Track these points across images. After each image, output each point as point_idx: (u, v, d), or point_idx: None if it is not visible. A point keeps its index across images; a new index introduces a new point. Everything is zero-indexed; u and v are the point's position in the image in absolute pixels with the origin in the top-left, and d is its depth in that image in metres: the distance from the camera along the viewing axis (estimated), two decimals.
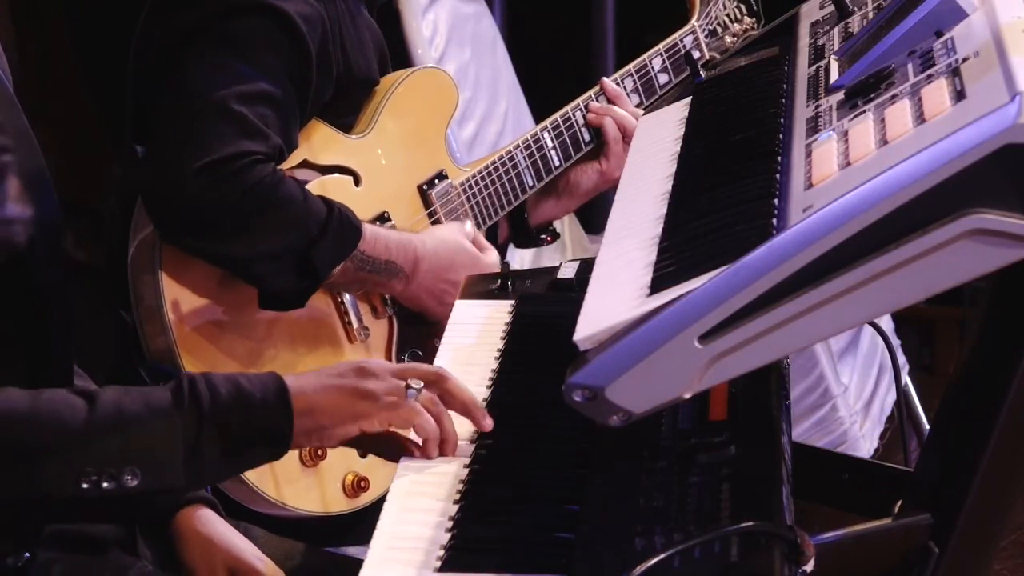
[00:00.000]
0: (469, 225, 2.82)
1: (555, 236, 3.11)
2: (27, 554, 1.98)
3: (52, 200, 2.00)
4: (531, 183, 2.95)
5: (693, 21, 3.10)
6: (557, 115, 2.99)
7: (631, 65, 3.04)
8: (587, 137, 3.00)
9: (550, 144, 2.97)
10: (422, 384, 1.92)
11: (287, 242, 2.55)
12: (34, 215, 1.95)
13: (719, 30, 3.12)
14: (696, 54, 3.06)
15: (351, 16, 2.76)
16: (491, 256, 2.80)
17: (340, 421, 1.89)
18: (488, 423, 1.93)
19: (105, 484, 1.79)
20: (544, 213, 3.07)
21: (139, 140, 2.67)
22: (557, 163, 2.98)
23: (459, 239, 2.76)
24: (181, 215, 2.52)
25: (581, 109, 3.00)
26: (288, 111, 2.60)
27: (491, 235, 3.00)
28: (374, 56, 2.83)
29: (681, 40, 3.07)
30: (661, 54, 3.06)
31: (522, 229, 3.07)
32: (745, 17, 3.15)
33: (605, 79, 3.02)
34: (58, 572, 2.03)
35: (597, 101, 3.00)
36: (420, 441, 1.92)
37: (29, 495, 1.81)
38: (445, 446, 1.91)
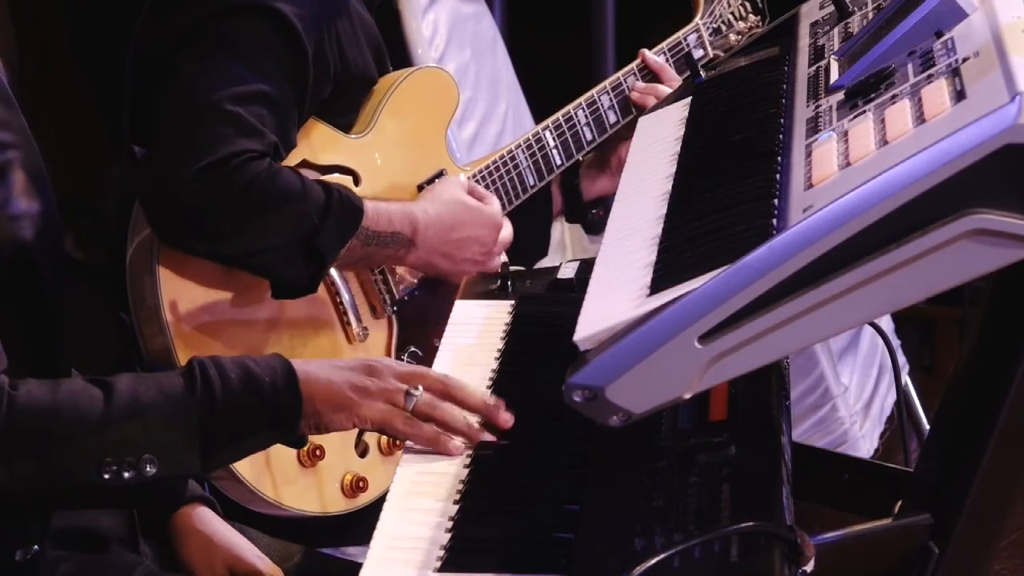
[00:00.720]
0: (463, 177, 2.83)
1: (606, 211, 3.12)
2: (36, 547, 1.99)
3: (51, 198, 2.01)
4: (532, 182, 2.95)
5: (697, 19, 3.09)
6: (559, 114, 2.98)
7: (633, 64, 3.04)
8: (588, 136, 2.99)
9: (552, 143, 2.96)
10: (421, 389, 1.92)
11: (291, 233, 2.55)
12: (37, 212, 1.97)
13: (723, 28, 3.11)
14: (700, 52, 3.05)
15: (347, 13, 2.75)
16: (492, 204, 2.81)
17: (334, 411, 1.91)
18: (506, 417, 1.93)
19: (126, 474, 1.82)
20: (597, 188, 3.08)
21: (137, 140, 2.67)
22: (559, 162, 2.97)
23: (457, 195, 2.77)
24: (181, 217, 2.52)
25: (608, 92, 2.99)
26: (285, 111, 2.59)
27: (545, 205, 3.04)
28: (370, 53, 2.82)
29: (685, 38, 3.07)
30: (664, 52, 3.05)
31: (575, 203, 3.09)
32: (750, 15, 3.14)
33: (646, 51, 3.01)
34: (65, 571, 2.04)
35: (626, 82, 2.99)
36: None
37: (51, 486, 1.84)
38: (467, 439, 1.91)
